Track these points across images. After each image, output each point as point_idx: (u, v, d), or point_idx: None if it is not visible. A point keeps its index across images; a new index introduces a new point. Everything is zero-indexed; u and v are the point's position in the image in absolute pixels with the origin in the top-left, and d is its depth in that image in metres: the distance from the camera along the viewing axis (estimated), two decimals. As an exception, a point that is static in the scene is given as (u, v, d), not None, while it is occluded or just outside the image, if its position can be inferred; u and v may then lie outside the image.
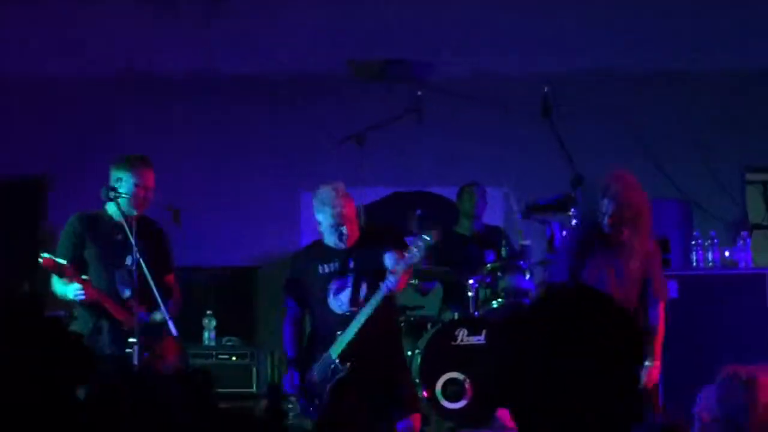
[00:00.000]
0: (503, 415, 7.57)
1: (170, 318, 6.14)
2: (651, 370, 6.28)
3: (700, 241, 8.65)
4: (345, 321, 6.33)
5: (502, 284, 8.06)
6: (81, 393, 2.87)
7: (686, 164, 10.20)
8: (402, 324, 8.09)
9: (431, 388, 7.64)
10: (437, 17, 9.24)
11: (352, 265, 6.41)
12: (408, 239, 6.18)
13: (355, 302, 6.35)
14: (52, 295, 6.32)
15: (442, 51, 9.91)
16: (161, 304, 6.17)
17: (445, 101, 10.08)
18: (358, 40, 9.68)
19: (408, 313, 8.46)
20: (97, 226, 6.42)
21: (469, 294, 8.09)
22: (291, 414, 6.76)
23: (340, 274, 6.42)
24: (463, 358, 7.75)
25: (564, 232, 7.83)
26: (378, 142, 8.73)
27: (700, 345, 7.72)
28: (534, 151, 9.66)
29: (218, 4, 8.86)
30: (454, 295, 8.50)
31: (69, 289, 6.19)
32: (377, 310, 6.23)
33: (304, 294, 6.54)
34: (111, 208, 6.43)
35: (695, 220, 9.54)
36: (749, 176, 10.55)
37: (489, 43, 9.74)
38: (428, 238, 6.06)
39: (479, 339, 7.81)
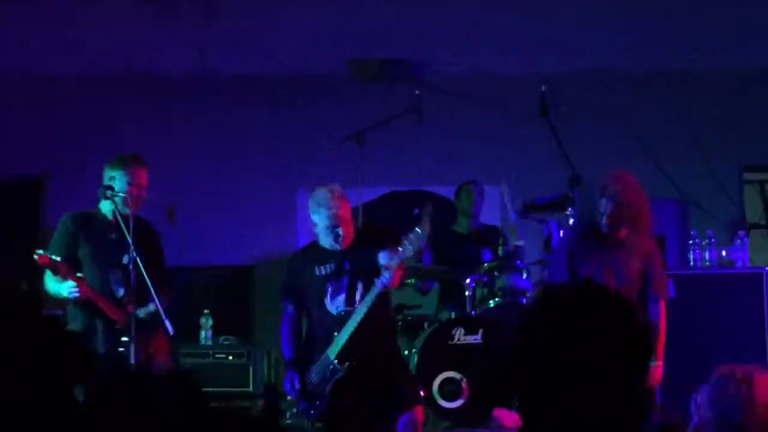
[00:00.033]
0: (500, 414, 7.58)
1: (167, 317, 6.15)
2: (654, 369, 6.28)
3: (697, 240, 8.66)
4: (341, 321, 6.33)
5: (499, 283, 8.06)
6: (79, 393, 2.87)
7: (684, 164, 10.20)
8: (399, 323, 8.10)
9: (428, 388, 7.63)
10: (436, 17, 9.24)
11: (348, 266, 6.41)
12: (403, 237, 6.18)
13: (351, 302, 6.35)
14: (45, 294, 6.32)
15: (441, 51, 9.92)
16: (158, 304, 6.18)
17: (445, 101, 10.08)
18: (358, 40, 9.69)
19: (405, 312, 8.47)
20: (91, 225, 6.43)
21: (466, 293, 8.09)
22: (288, 414, 6.76)
23: (336, 275, 6.42)
24: (460, 358, 7.75)
25: (561, 232, 7.83)
26: (377, 142, 8.74)
27: (697, 344, 7.73)
28: (532, 151, 9.66)
29: (218, 4, 8.87)
30: (452, 295, 8.51)
31: (63, 287, 6.20)
32: (373, 309, 6.23)
33: (300, 296, 6.54)
34: (104, 207, 6.44)
35: (693, 219, 9.55)
36: (747, 176, 10.55)
37: (488, 42, 9.74)
38: (420, 231, 6.06)
39: (476, 338, 7.81)
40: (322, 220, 6.40)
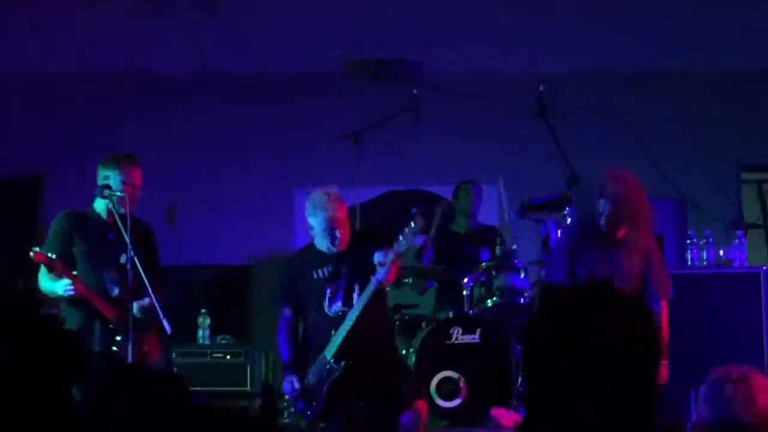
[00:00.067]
0: (498, 413, 7.58)
1: (164, 317, 6.15)
2: (661, 368, 6.29)
3: (695, 240, 8.65)
4: (338, 321, 6.34)
5: (496, 283, 8.05)
6: (76, 392, 2.87)
7: (682, 163, 10.21)
8: (396, 322, 8.10)
9: (426, 387, 7.63)
10: (434, 16, 9.25)
11: (345, 268, 6.41)
12: (398, 234, 6.19)
13: (349, 303, 6.36)
14: (39, 293, 6.31)
15: (439, 50, 9.92)
16: (156, 303, 6.18)
17: (442, 100, 10.08)
18: (355, 40, 9.69)
19: (403, 311, 8.47)
20: (86, 224, 6.42)
21: (464, 293, 8.09)
22: (286, 413, 6.75)
23: (334, 277, 6.42)
24: (457, 357, 7.76)
25: (559, 232, 7.84)
26: (374, 141, 8.74)
27: (694, 344, 7.73)
28: (530, 151, 9.65)
29: (216, 4, 8.87)
30: (449, 294, 8.51)
31: (58, 285, 6.19)
32: (369, 308, 6.23)
33: (298, 299, 6.54)
34: (99, 206, 6.44)
35: (690, 219, 9.55)
36: (744, 175, 10.55)
37: (487, 42, 9.74)
38: (414, 225, 6.07)
39: (474, 338, 7.81)
40: (319, 222, 6.41)
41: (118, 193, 6.32)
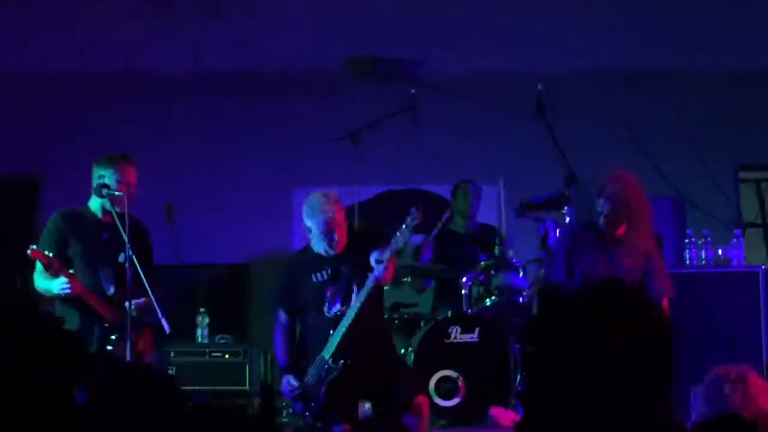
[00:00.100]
0: (496, 413, 7.59)
1: (163, 315, 6.15)
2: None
3: (693, 239, 8.66)
4: (336, 321, 6.34)
5: (495, 282, 8.06)
6: (79, 393, 2.86)
7: (680, 162, 10.21)
8: (395, 321, 8.10)
9: (424, 386, 7.63)
10: (433, 15, 9.24)
11: (343, 270, 6.41)
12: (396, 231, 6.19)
13: (347, 303, 6.35)
14: (34, 292, 6.30)
15: (438, 49, 9.92)
16: (154, 302, 6.18)
17: (441, 99, 10.08)
18: (353, 39, 9.68)
19: (401, 310, 8.48)
20: (81, 223, 6.41)
21: (463, 292, 8.09)
22: (284, 412, 6.76)
23: (333, 280, 6.42)
24: (456, 356, 7.76)
25: (558, 231, 7.84)
26: (373, 141, 8.74)
27: (693, 343, 7.72)
28: (529, 150, 9.66)
29: (214, 3, 8.87)
30: (448, 293, 8.51)
31: (54, 284, 6.18)
32: (366, 307, 6.23)
33: (295, 303, 6.54)
34: (94, 205, 6.43)
35: (689, 218, 9.57)
36: (743, 174, 10.56)
37: (486, 41, 9.74)
38: (410, 221, 6.07)
39: (472, 337, 7.82)
40: (317, 225, 6.40)
41: (116, 193, 6.32)
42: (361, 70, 10.19)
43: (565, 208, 7.53)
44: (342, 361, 6.29)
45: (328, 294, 6.41)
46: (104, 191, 6.34)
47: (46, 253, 6.16)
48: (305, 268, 6.51)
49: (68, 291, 6.15)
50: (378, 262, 6.19)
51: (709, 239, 8.60)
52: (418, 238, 8.74)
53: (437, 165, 10.16)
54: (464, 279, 8.10)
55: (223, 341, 8.85)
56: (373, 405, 6.47)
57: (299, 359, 6.50)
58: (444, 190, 9.69)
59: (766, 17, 9.16)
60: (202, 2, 8.93)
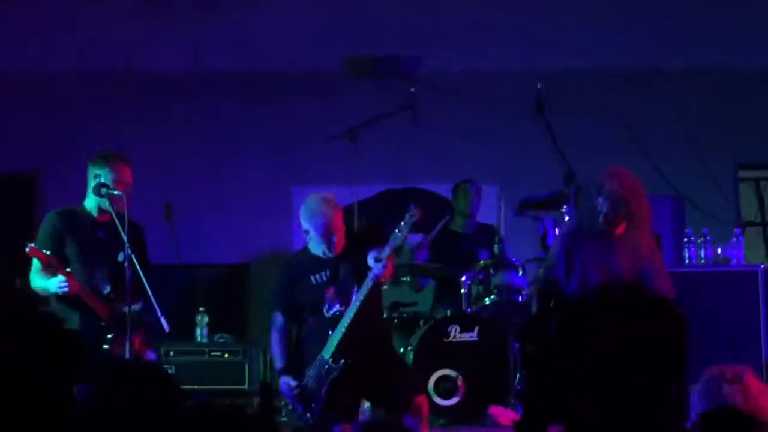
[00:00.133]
0: (496, 412, 7.59)
1: (162, 315, 6.14)
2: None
3: (692, 238, 8.66)
4: (335, 321, 6.33)
5: (494, 281, 8.06)
6: (78, 392, 2.86)
7: (680, 161, 10.22)
8: (394, 320, 8.10)
9: (424, 385, 7.64)
10: (432, 15, 9.25)
11: (342, 271, 6.40)
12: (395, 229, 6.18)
13: (347, 303, 6.35)
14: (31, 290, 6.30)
15: (438, 49, 9.92)
16: (153, 301, 6.17)
17: (440, 98, 10.08)
18: (352, 38, 9.69)
19: (401, 309, 8.47)
20: (77, 222, 6.39)
21: (462, 291, 8.09)
22: (284, 411, 6.75)
23: (332, 281, 6.42)
24: (455, 355, 7.76)
25: (557, 230, 7.84)
26: (372, 140, 8.75)
27: (692, 342, 7.72)
28: (529, 149, 9.66)
29: (213, 3, 8.87)
30: (447, 292, 8.51)
31: (51, 283, 6.16)
32: (365, 306, 6.22)
33: (293, 304, 6.53)
34: (90, 205, 6.42)
35: (688, 217, 9.55)
36: (742, 173, 10.56)
37: (485, 40, 9.75)
38: (409, 219, 6.07)
39: (472, 336, 7.82)
40: (316, 228, 6.39)
41: (115, 192, 6.31)
42: (361, 69, 10.19)
43: (564, 206, 7.53)
44: (343, 361, 6.28)
45: (328, 295, 6.40)
46: (103, 190, 6.32)
47: (44, 251, 6.15)
48: (304, 270, 6.50)
49: (66, 289, 6.13)
50: (377, 260, 6.18)
51: (708, 238, 8.61)
52: (417, 237, 8.74)
53: (437, 164, 10.16)
54: (463, 278, 8.09)
55: (222, 341, 8.85)
56: (372, 405, 6.47)
57: (296, 361, 6.49)
58: (443, 189, 9.70)
59: (766, 17, 9.16)
60: (202, 2, 8.94)
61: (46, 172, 10.14)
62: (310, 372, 6.37)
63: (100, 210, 6.39)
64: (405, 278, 8.44)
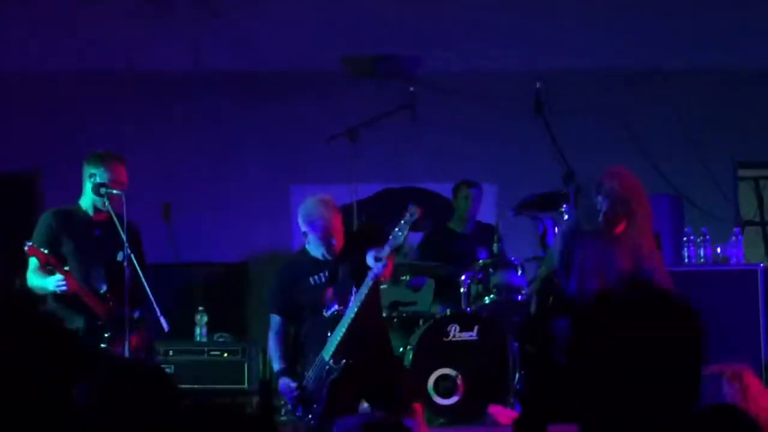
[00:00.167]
0: (495, 411, 7.59)
1: (161, 314, 6.15)
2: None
3: (692, 237, 8.66)
4: (333, 321, 6.32)
5: (494, 280, 8.05)
6: (78, 392, 2.86)
7: (679, 160, 10.22)
8: (394, 320, 8.10)
9: (423, 385, 7.64)
10: (432, 15, 9.25)
11: (341, 272, 6.40)
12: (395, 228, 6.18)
13: (344, 303, 6.34)
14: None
15: (437, 48, 9.92)
16: (152, 300, 6.18)
17: (439, 98, 10.09)
18: (352, 37, 9.69)
19: (400, 309, 8.47)
20: (73, 221, 6.40)
21: (461, 290, 8.09)
22: (283, 410, 6.76)
23: (331, 282, 6.41)
24: (455, 354, 7.76)
25: (557, 229, 7.83)
26: (371, 139, 8.75)
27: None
28: (528, 149, 9.66)
29: (212, 3, 8.88)
30: (446, 291, 8.51)
31: (49, 281, 6.17)
32: (364, 307, 6.22)
33: (292, 307, 6.52)
34: (85, 204, 6.42)
35: (687, 216, 9.56)
36: (741, 172, 10.57)
37: (485, 40, 9.75)
38: (409, 217, 6.07)
39: (471, 335, 7.82)
40: (314, 230, 6.38)
41: (114, 191, 6.31)
42: (361, 69, 10.20)
43: (564, 205, 7.53)
44: (344, 362, 6.27)
45: (327, 296, 6.40)
46: (102, 190, 6.33)
47: (43, 250, 6.16)
48: (302, 271, 6.49)
49: (64, 288, 6.14)
50: (377, 259, 6.18)
51: (707, 237, 8.61)
52: (417, 236, 8.75)
53: (436, 163, 10.16)
54: (463, 277, 8.09)
55: (221, 340, 8.84)
56: (371, 405, 6.46)
57: (295, 363, 6.49)
58: (442, 188, 9.70)
59: (766, 17, 9.16)
60: (202, 2, 8.94)
61: (46, 172, 10.14)
62: (310, 373, 6.37)
63: (96, 209, 6.39)
64: (404, 277, 8.44)
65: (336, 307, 6.36)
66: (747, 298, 8.17)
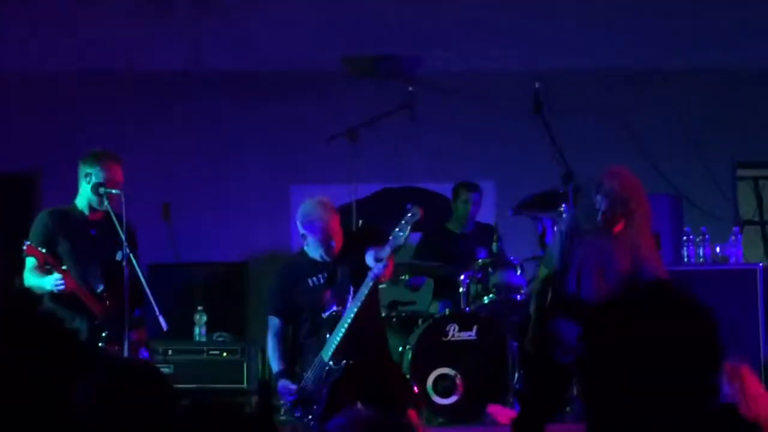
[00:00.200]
0: (494, 410, 7.59)
1: (160, 313, 6.15)
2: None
3: (691, 236, 8.66)
4: (332, 322, 6.32)
5: (493, 280, 8.05)
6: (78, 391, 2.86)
7: (678, 160, 10.22)
8: (393, 319, 8.10)
9: (422, 384, 7.64)
10: (432, 15, 9.25)
11: (340, 274, 6.40)
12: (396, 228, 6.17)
13: (342, 304, 6.34)
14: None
15: (437, 48, 9.92)
16: (151, 299, 6.18)
17: (439, 98, 10.09)
18: (352, 37, 9.69)
19: (399, 308, 8.47)
20: (68, 221, 6.38)
21: (460, 290, 8.09)
22: (282, 410, 6.76)
23: (330, 283, 6.41)
24: (454, 354, 7.75)
25: (556, 228, 7.83)
26: (371, 139, 8.75)
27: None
28: (528, 149, 9.66)
29: (211, 2, 8.88)
30: (445, 291, 8.52)
31: (47, 281, 6.16)
32: (364, 308, 6.21)
33: (290, 308, 6.52)
34: (81, 203, 6.41)
35: (686, 215, 9.56)
36: (740, 172, 10.58)
37: (485, 40, 9.75)
38: (409, 217, 6.07)
39: (470, 335, 7.82)
40: (313, 233, 6.37)
41: (113, 191, 6.30)
42: (361, 69, 10.20)
43: (563, 205, 7.53)
44: (344, 362, 6.27)
45: (326, 297, 6.39)
46: (101, 190, 6.32)
47: (41, 249, 6.15)
48: (301, 273, 6.48)
49: (62, 287, 6.12)
50: (377, 260, 6.17)
51: (706, 237, 8.61)
52: (415, 236, 8.74)
53: (436, 163, 10.16)
54: (462, 277, 8.09)
55: (221, 339, 8.84)
56: (368, 406, 6.43)
57: (294, 364, 6.48)
58: (442, 188, 9.70)
59: (766, 17, 9.16)
60: (202, 2, 8.94)
61: (46, 172, 10.14)
62: (309, 374, 6.36)
63: (92, 208, 6.38)
64: (403, 277, 8.44)
65: (334, 308, 6.35)
66: (746, 297, 8.17)
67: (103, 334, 6.18)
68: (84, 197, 6.38)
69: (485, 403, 7.63)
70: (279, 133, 10.37)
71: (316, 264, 6.44)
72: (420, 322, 8.07)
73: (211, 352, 8.63)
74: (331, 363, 6.27)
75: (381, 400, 6.28)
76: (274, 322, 6.56)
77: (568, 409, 7.38)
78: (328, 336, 6.30)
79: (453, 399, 7.72)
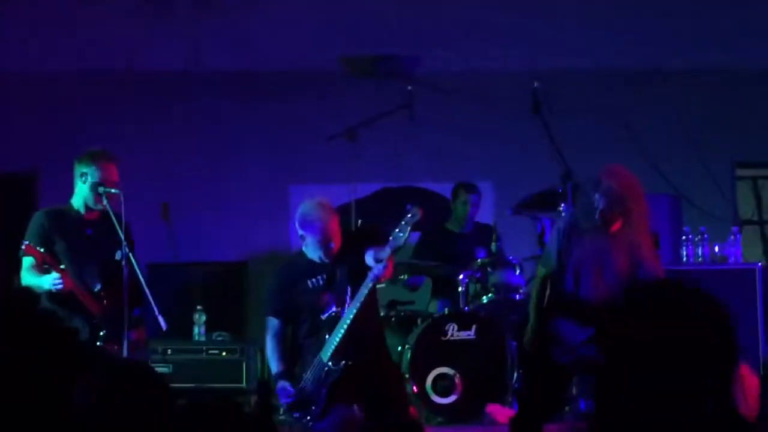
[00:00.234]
0: (493, 410, 7.59)
1: (159, 313, 6.15)
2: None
3: (690, 236, 8.67)
4: (331, 322, 6.32)
5: (492, 280, 8.05)
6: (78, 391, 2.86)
7: (677, 160, 10.22)
8: (392, 319, 8.10)
9: (421, 383, 7.65)
10: (432, 15, 9.25)
11: (339, 274, 6.40)
12: (396, 228, 6.17)
13: (341, 303, 6.34)
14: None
15: (437, 48, 9.92)
16: (150, 298, 6.18)
17: (439, 98, 10.09)
18: (351, 37, 9.70)
19: (398, 308, 8.48)
20: (65, 221, 6.39)
21: (460, 289, 8.09)
22: (281, 410, 6.76)
23: (329, 284, 6.41)
24: (453, 353, 7.76)
25: (555, 228, 7.83)
26: (370, 139, 8.76)
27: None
28: (527, 148, 9.66)
29: (211, 2, 8.89)
30: (444, 290, 8.52)
31: (45, 280, 6.16)
32: (363, 308, 6.21)
33: (289, 309, 6.52)
34: (77, 203, 6.41)
35: (685, 215, 9.56)
36: (739, 172, 10.58)
37: (485, 40, 9.75)
38: (409, 218, 6.07)
39: (469, 334, 7.82)
40: (312, 234, 6.36)
41: (112, 190, 6.31)
42: (360, 69, 10.20)
43: (562, 204, 7.53)
44: (344, 363, 6.27)
45: (326, 298, 6.39)
46: (101, 189, 6.32)
47: (39, 249, 6.16)
48: (300, 274, 6.47)
49: (60, 286, 6.13)
50: (377, 260, 6.17)
51: (705, 236, 8.61)
52: (414, 236, 8.74)
53: (436, 163, 10.16)
54: (461, 276, 8.10)
55: (220, 339, 8.85)
56: (367, 406, 6.42)
57: (293, 365, 6.48)
58: (441, 188, 9.70)
59: (766, 17, 9.16)
60: (202, 2, 8.95)
61: (45, 172, 10.14)
62: (308, 374, 6.36)
63: (88, 208, 6.38)
64: (403, 276, 8.44)
65: (333, 308, 6.35)
66: (745, 297, 8.17)
67: (101, 334, 6.18)
68: (80, 197, 6.38)
69: (484, 402, 7.63)
70: (279, 133, 10.37)
71: (314, 265, 6.44)
72: (419, 321, 8.07)
73: (211, 352, 8.64)
74: (330, 364, 6.27)
75: (380, 400, 6.28)
76: (273, 323, 6.55)
77: (566, 408, 7.39)
78: (327, 337, 6.30)
79: (452, 398, 7.72)
